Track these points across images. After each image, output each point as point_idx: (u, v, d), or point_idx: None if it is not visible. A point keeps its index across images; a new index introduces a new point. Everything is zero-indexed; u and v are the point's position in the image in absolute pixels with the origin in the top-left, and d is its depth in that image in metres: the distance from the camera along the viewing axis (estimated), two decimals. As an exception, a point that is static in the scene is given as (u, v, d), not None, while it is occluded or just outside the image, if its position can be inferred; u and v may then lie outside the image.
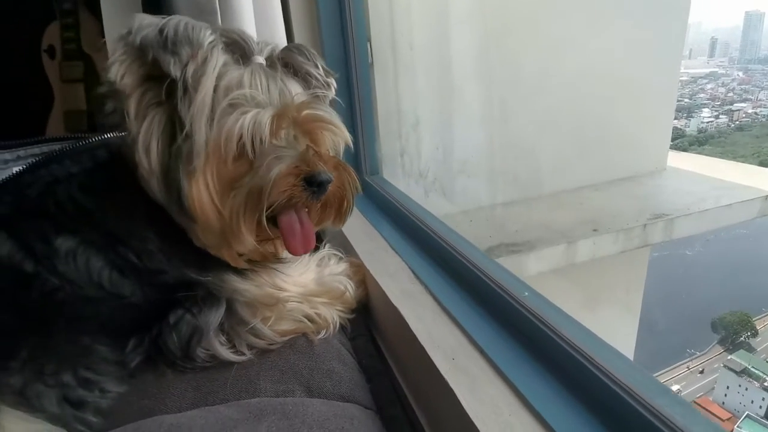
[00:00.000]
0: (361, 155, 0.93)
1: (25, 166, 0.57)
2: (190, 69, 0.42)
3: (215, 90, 0.44)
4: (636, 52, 1.54)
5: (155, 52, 0.41)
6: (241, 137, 0.44)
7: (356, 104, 0.91)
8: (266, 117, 0.44)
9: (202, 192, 0.43)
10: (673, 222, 1.45)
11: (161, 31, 0.41)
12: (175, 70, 0.41)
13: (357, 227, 0.75)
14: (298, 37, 0.90)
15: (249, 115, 0.44)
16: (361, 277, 0.62)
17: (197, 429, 0.38)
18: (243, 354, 0.49)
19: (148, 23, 0.41)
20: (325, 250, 0.62)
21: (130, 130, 0.44)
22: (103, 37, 0.98)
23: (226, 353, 0.49)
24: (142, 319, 0.47)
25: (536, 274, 1.37)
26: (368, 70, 0.93)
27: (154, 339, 0.47)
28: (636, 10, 1.52)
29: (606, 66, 1.51)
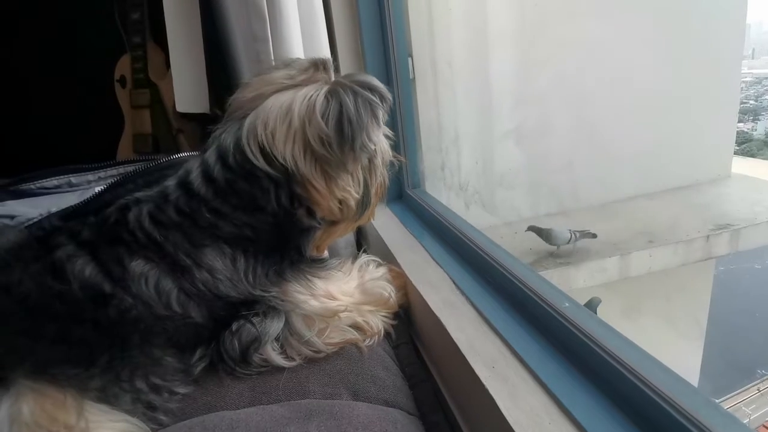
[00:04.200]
0: (403, 169, 0.96)
1: (104, 186, 0.64)
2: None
3: None
4: (691, 55, 1.48)
5: (339, 148, 0.49)
6: None
7: (398, 119, 0.94)
8: None
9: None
10: (739, 232, 1.37)
11: (341, 127, 0.48)
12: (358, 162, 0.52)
13: (399, 239, 0.77)
14: (342, 57, 0.94)
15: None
16: (401, 282, 0.64)
17: (254, 425, 0.41)
18: (293, 360, 0.53)
19: (318, 118, 0.49)
20: (363, 257, 0.65)
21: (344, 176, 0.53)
22: (168, 66, 1.07)
23: (278, 359, 0.52)
24: (206, 334, 0.52)
25: (587, 288, 1.33)
26: (409, 86, 0.96)
27: (217, 346, 0.52)
28: (689, 12, 1.46)
29: (660, 72, 1.47)
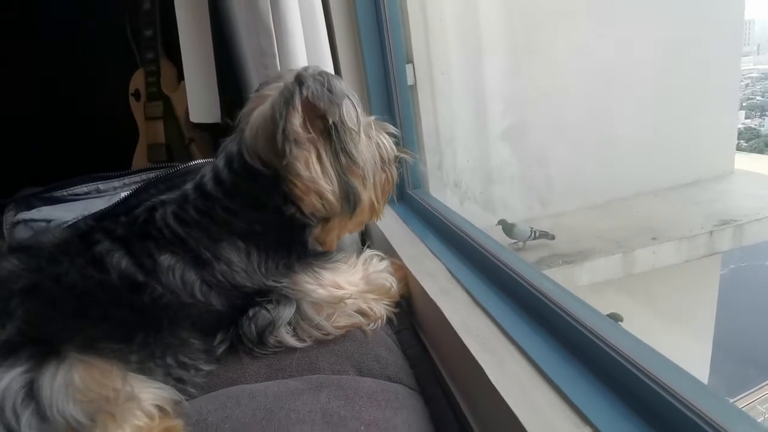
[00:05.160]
0: (404, 170, 1.02)
1: (130, 192, 0.71)
2: (344, 111, 0.54)
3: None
4: (689, 52, 1.50)
5: (325, 104, 0.53)
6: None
7: (397, 124, 0.99)
8: None
9: (369, 192, 0.61)
10: (742, 228, 1.39)
11: (323, 85, 0.53)
12: (338, 116, 0.54)
13: (400, 235, 0.82)
14: (344, 67, 1.00)
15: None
16: (402, 274, 0.70)
17: (272, 394, 0.47)
18: (304, 341, 0.59)
19: (309, 80, 0.52)
20: (368, 252, 0.71)
21: (298, 167, 0.55)
22: (180, 79, 1.14)
23: (291, 340, 0.58)
24: (225, 320, 0.58)
25: (590, 285, 1.36)
26: (407, 92, 1.01)
27: (236, 330, 0.58)
28: (686, 8, 1.49)
29: (659, 69, 1.49)
